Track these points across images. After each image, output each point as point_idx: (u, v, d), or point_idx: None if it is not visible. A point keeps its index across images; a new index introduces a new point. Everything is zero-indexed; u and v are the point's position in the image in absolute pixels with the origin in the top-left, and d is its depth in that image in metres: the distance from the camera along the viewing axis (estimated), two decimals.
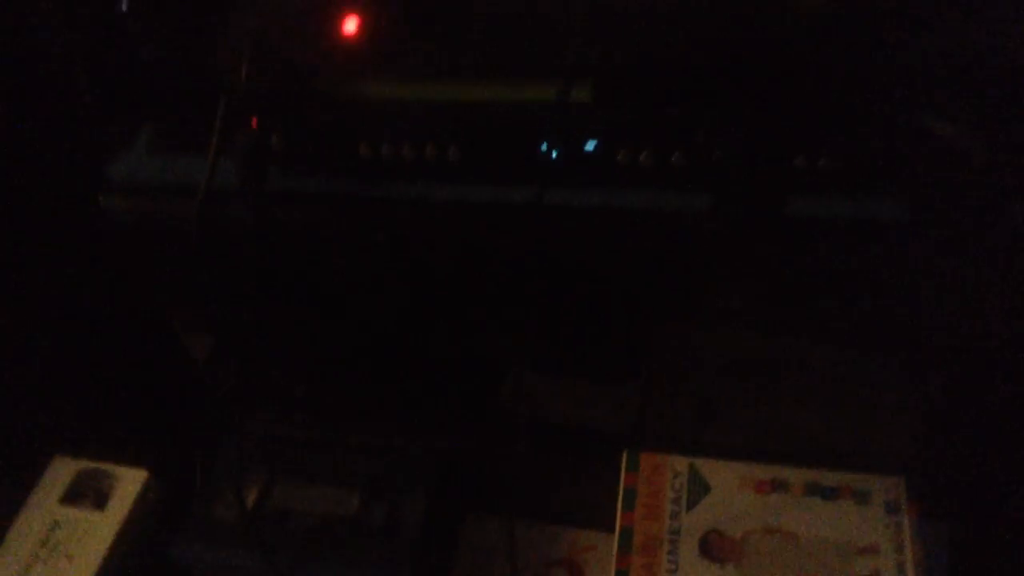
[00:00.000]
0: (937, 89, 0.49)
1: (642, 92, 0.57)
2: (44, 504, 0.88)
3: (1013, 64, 0.47)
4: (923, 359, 0.71)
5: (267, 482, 0.88)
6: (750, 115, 0.56)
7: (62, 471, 0.90)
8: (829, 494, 0.72)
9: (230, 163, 0.66)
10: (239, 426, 0.92)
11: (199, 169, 0.67)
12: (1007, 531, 0.73)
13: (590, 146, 0.61)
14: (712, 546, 0.70)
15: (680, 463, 0.75)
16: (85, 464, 0.91)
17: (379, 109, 0.62)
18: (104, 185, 0.72)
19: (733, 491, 0.73)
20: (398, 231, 0.67)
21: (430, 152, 0.63)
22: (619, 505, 0.74)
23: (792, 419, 0.76)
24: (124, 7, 0.65)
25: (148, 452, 0.95)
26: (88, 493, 0.90)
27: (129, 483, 0.91)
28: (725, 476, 0.74)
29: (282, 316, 0.83)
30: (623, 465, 0.76)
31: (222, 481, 0.89)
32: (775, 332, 0.75)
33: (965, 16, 0.48)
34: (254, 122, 0.65)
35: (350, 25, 0.60)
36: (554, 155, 0.62)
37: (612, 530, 0.73)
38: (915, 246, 0.56)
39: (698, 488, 0.74)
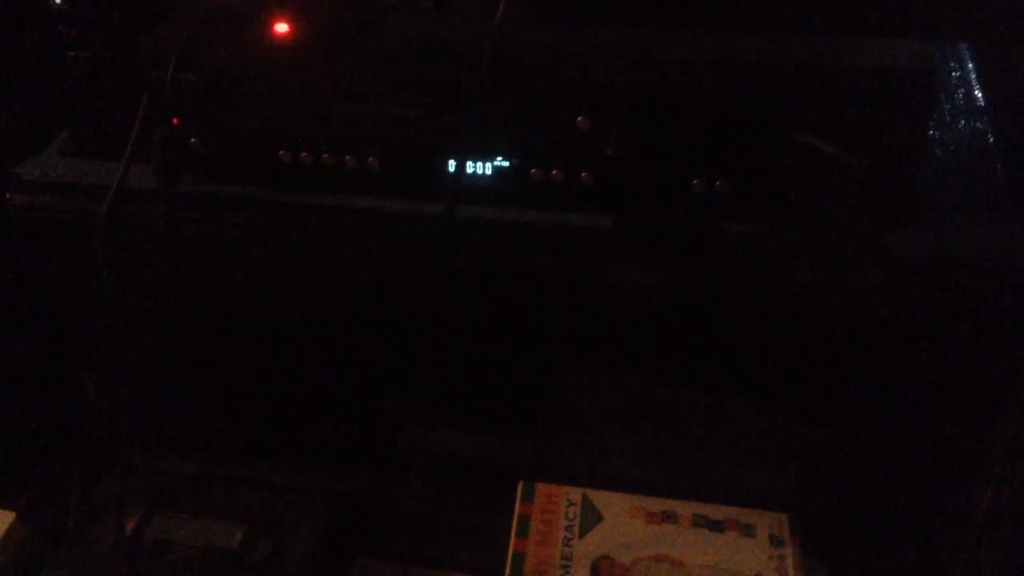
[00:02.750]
0: (815, 111, 0.54)
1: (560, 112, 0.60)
2: None
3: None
4: (806, 403, 0.75)
5: (147, 513, 0.85)
6: (653, 136, 0.60)
7: None
8: (716, 526, 0.74)
9: (146, 166, 0.67)
10: (121, 458, 0.89)
11: (112, 173, 0.68)
12: (884, 572, 0.76)
13: (504, 162, 0.64)
14: (603, 572, 0.71)
15: (575, 493, 0.76)
16: None
17: (303, 116, 0.64)
18: (13, 185, 0.72)
19: (625, 521, 0.74)
20: (311, 235, 0.68)
21: (350, 161, 0.65)
22: (512, 532, 0.74)
23: (681, 459, 0.78)
24: (57, 3, 0.66)
25: (22, 491, 0.90)
26: None
27: None
28: (617, 506, 0.75)
29: (177, 341, 0.82)
30: (518, 496, 0.76)
31: (101, 511, 0.86)
32: (665, 378, 0.78)
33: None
34: (174, 122, 0.66)
35: (280, 29, 0.63)
36: (468, 171, 0.64)
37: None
38: (800, 277, 0.60)
39: (591, 517, 0.74)
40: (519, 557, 0.72)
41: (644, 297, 0.63)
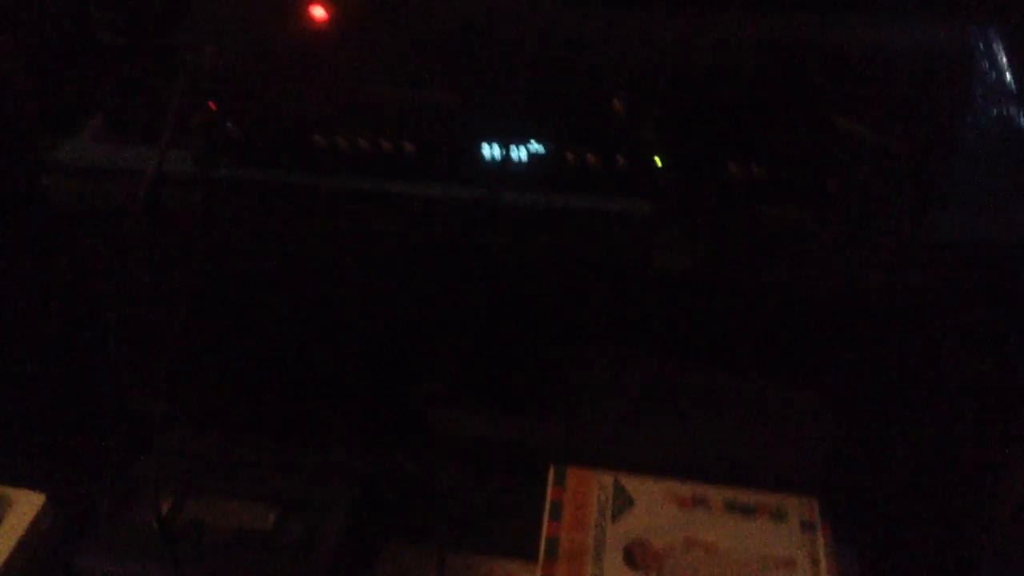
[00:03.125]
0: (855, 95, 0.54)
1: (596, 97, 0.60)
2: None
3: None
4: (835, 386, 0.75)
5: (181, 495, 0.85)
6: (690, 119, 0.59)
7: None
8: (747, 511, 0.74)
9: (181, 150, 0.68)
10: (156, 442, 0.90)
11: (146, 158, 0.68)
12: (914, 555, 0.75)
13: (539, 148, 0.64)
14: (635, 555, 0.71)
15: (606, 478, 0.76)
16: None
17: (338, 101, 0.64)
18: (49, 169, 0.72)
19: (656, 505, 0.75)
20: (346, 220, 0.68)
21: (385, 146, 0.65)
22: (545, 517, 0.74)
23: (710, 442, 0.79)
24: None
25: (53, 473, 0.91)
26: None
27: (25, 506, 0.87)
28: (649, 491, 0.76)
29: (211, 325, 0.83)
30: (550, 480, 0.77)
31: (135, 494, 0.86)
32: (693, 360, 0.78)
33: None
34: (212, 106, 0.66)
35: (317, 14, 0.63)
36: (503, 156, 0.64)
37: (534, 559, 0.73)
38: (839, 261, 0.60)
39: (623, 501, 0.75)
40: (553, 541, 0.73)
41: (682, 282, 0.63)
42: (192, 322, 0.80)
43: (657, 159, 0.61)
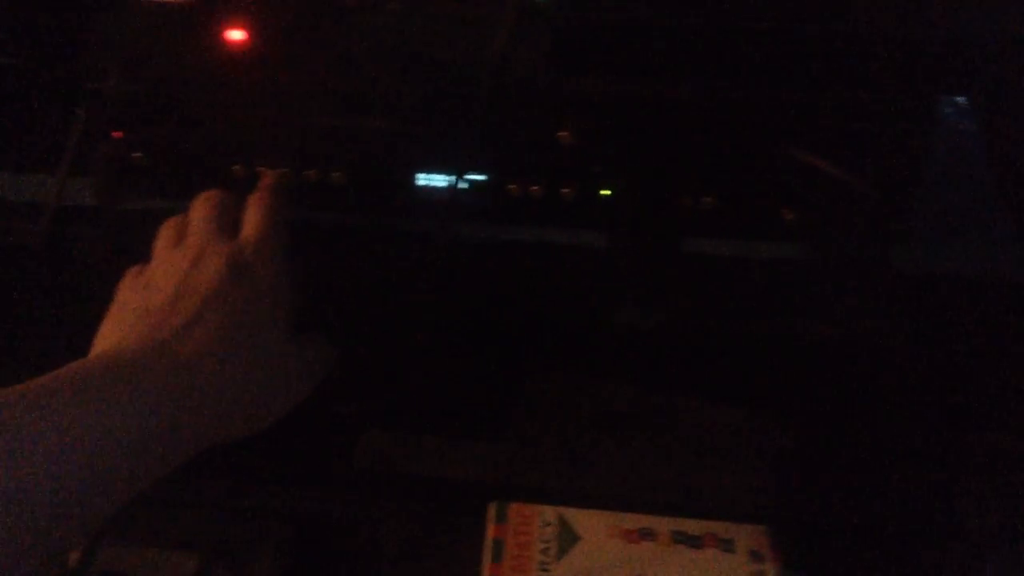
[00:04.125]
0: (824, 129, 0.52)
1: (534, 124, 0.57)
2: None
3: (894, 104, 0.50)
4: (784, 412, 0.73)
5: (90, 543, 0.79)
6: (640, 153, 0.57)
7: None
8: (695, 542, 0.72)
9: (86, 181, 0.62)
10: None
11: (46, 188, 0.62)
12: None
13: (480, 177, 0.60)
14: None
15: (550, 513, 0.73)
16: None
17: (259, 129, 0.60)
18: None
19: (602, 540, 0.72)
20: None
21: (312, 176, 0.61)
22: (486, 558, 0.71)
23: (658, 470, 0.76)
24: None
25: None
26: None
27: None
28: (594, 525, 0.73)
29: None
30: (490, 517, 0.73)
31: None
32: (641, 385, 0.76)
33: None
34: (117, 135, 0.61)
35: (234, 36, 0.58)
36: (443, 185, 0.61)
37: None
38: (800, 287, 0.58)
39: (568, 537, 0.72)
40: None
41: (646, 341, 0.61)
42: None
43: (605, 191, 0.58)
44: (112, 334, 0.53)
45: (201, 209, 0.56)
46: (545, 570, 0.70)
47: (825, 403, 0.70)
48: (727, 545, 0.72)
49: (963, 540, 0.64)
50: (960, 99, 0.64)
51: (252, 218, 0.55)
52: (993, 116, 0.65)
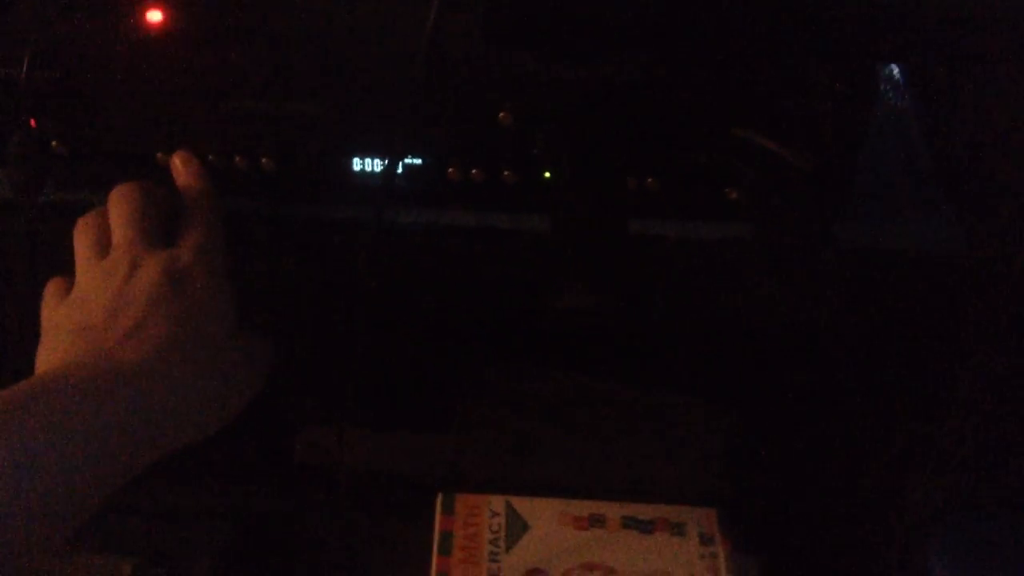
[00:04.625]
0: (760, 105, 0.51)
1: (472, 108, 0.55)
2: None
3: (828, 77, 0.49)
4: (731, 394, 0.73)
5: None
6: (580, 133, 0.55)
7: None
8: (645, 527, 0.72)
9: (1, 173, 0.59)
10: None
11: None
12: (815, 564, 0.75)
13: (417, 161, 0.58)
14: None
15: (497, 502, 0.72)
16: None
17: (183, 115, 0.57)
18: None
19: (552, 528, 0.71)
20: None
21: (240, 163, 0.58)
22: (435, 550, 0.69)
23: (607, 457, 0.76)
24: None
25: None
26: None
27: None
28: (543, 513, 0.72)
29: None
30: (438, 509, 0.72)
31: None
32: (585, 372, 0.75)
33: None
34: (31, 123, 0.57)
35: (153, 18, 0.55)
36: (378, 170, 0.59)
37: None
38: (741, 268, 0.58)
39: (516, 527, 0.71)
40: None
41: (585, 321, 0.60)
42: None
43: (547, 173, 0.56)
44: (51, 357, 0.50)
45: (121, 208, 0.53)
46: (495, 561, 0.69)
47: (771, 387, 0.70)
48: (678, 529, 0.72)
49: (907, 518, 0.65)
50: (897, 73, 0.64)
51: (186, 219, 0.53)
52: (928, 90, 0.65)
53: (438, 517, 0.72)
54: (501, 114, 0.54)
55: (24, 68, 0.54)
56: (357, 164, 0.59)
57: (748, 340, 0.65)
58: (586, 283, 0.55)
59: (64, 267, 0.63)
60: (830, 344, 0.62)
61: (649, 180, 0.55)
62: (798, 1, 0.51)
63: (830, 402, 0.68)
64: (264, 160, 0.58)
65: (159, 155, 0.58)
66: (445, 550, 0.70)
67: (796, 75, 0.51)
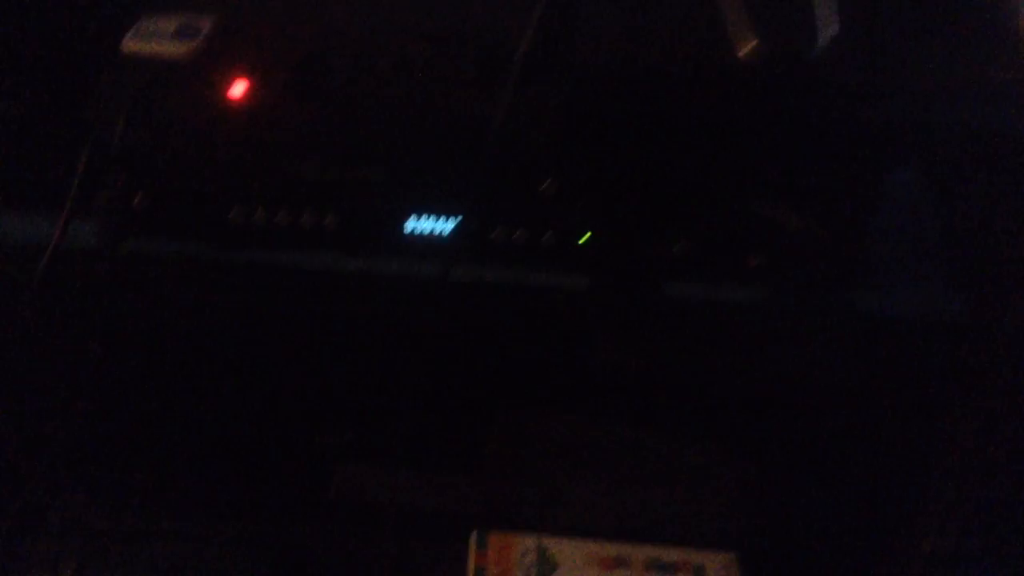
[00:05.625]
0: (785, 184, 0.56)
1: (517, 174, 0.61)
2: None
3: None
4: (753, 442, 0.77)
5: (77, 573, 0.81)
6: (617, 203, 0.60)
7: None
8: (668, 570, 0.75)
9: (79, 223, 0.64)
10: (63, 517, 0.85)
11: (43, 230, 0.64)
12: None
13: (464, 224, 0.63)
14: None
15: (529, 542, 0.76)
16: None
17: (256, 175, 0.63)
18: None
19: (579, 569, 0.75)
20: (261, 296, 0.66)
21: (306, 221, 0.64)
22: None
23: (632, 500, 0.80)
24: None
25: None
26: None
27: None
28: (571, 554, 0.76)
29: (112, 395, 0.79)
30: (472, 546, 0.76)
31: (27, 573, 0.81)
32: (615, 420, 0.79)
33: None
34: (119, 180, 0.63)
35: (236, 90, 0.61)
36: (426, 231, 0.64)
37: None
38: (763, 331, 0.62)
39: (546, 566, 0.75)
40: None
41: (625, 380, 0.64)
42: (95, 394, 0.76)
43: (584, 238, 0.62)
44: None
45: None
46: None
47: (791, 437, 0.74)
48: (698, 571, 0.76)
49: (924, 565, 0.68)
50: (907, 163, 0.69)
51: None
52: (936, 181, 0.70)
53: (472, 553, 0.76)
54: (543, 184, 0.59)
55: (119, 130, 0.60)
56: (409, 226, 0.64)
57: (771, 394, 0.70)
58: (620, 339, 0.59)
59: (141, 311, 0.69)
60: (848, 400, 0.66)
61: (680, 245, 0.60)
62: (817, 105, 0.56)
63: (850, 455, 0.72)
64: (328, 219, 0.63)
65: (233, 210, 0.64)
66: None
67: (817, 164, 0.56)
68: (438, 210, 0.63)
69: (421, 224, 0.64)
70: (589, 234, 0.61)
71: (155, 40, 0.62)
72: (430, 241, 0.64)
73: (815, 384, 0.65)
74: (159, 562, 0.82)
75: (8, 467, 0.84)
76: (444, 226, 0.64)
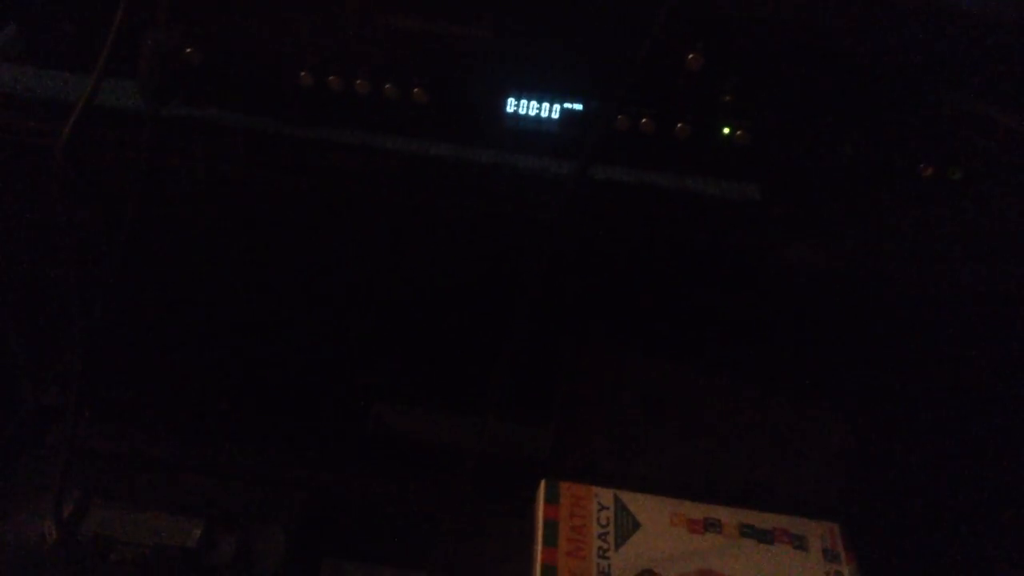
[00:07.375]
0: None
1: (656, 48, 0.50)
2: None
3: None
4: (857, 402, 0.67)
5: (83, 502, 0.71)
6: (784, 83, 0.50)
7: None
8: (765, 537, 0.66)
9: (122, 80, 0.54)
10: (55, 434, 0.75)
11: (76, 87, 0.54)
12: None
13: (577, 107, 0.53)
14: None
15: (605, 495, 0.67)
16: None
17: (334, 30, 0.52)
18: None
19: (664, 529, 0.66)
20: (327, 180, 0.56)
21: (389, 91, 0.53)
22: (538, 539, 0.64)
23: (715, 457, 0.70)
24: None
25: None
26: None
27: None
28: (654, 512, 0.66)
29: (137, 297, 0.68)
30: (540, 496, 0.67)
31: (22, 500, 0.71)
32: (694, 368, 0.70)
33: None
34: (168, 29, 0.52)
35: None
36: (532, 113, 0.54)
37: None
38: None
39: (627, 524, 0.65)
40: (549, 570, 0.62)
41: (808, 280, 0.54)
42: (112, 292, 0.65)
43: (727, 129, 0.51)
44: None
45: None
46: (604, 558, 0.63)
47: (900, 395, 0.64)
48: (799, 542, 0.66)
49: None
50: None
51: None
52: None
53: (540, 504, 0.66)
54: (691, 55, 0.49)
55: None
56: (511, 105, 0.54)
57: (878, 356, 0.60)
58: (819, 238, 0.49)
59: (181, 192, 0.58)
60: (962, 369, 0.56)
61: (848, 147, 0.50)
62: None
63: (964, 416, 0.62)
64: (416, 91, 0.53)
65: (303, 75, 0.53)
66: (551, 540, 0.64)
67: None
68: (548, 88, 0.53)
69: (526, 104, 0.53)
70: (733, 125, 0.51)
71: None
72: (536, 126, 0.54)
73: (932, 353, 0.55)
74: (186, 495, 0.72)
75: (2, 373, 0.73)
76: (554, 108, 0.53)
